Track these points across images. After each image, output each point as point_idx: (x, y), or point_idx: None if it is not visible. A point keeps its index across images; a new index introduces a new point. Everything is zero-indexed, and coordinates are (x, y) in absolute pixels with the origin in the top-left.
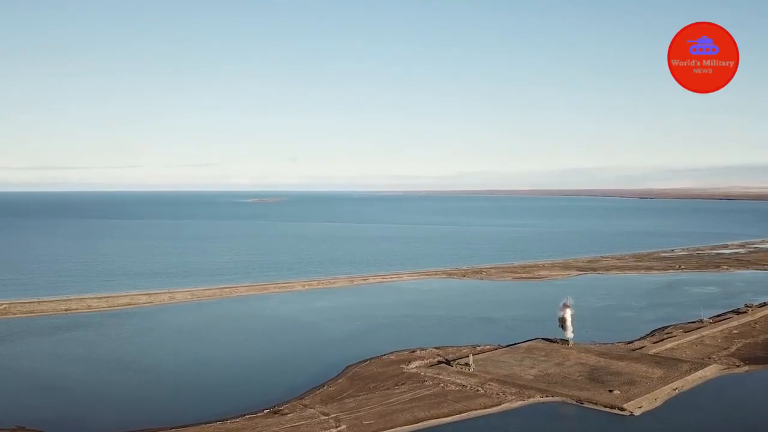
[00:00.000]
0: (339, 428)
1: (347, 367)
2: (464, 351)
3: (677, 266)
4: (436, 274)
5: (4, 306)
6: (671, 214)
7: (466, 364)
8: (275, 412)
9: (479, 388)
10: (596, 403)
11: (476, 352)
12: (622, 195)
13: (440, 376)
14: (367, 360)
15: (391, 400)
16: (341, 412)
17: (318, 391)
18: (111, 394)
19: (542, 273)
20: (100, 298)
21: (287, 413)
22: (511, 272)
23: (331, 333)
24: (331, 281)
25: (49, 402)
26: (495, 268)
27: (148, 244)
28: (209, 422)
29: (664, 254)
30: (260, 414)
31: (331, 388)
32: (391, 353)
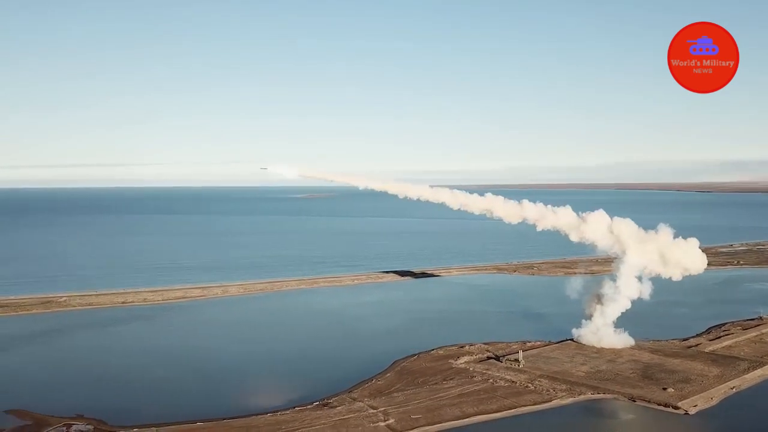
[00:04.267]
0: (387, 422)
1: (395, 362)
2: (514, 347)
3: (736, 261)
4: (486, 269)
5: (64, 298)
6: (730, 207)
7: (516, 360)
8: (324, 405)
9: (529, 385)
10: (649, 401)
11: (526, 348)
12: (680, 188)
13: (489, 372)
14: (415, 355)
15: (440, 394)
16: (389, 405)
17: (366, 385)
18: (164, 385)
19: (595, 269)
20: (155, 291)
21: (336, 406)
22: (563, 267)
23: (379, 327)
24: (380, 276)
25: (106, 392)
26: (546, 263)
27: (201, 240)
28: (260, 414)
29: (722, 249)
30: (310, 406)
31: (379, 382)
32: (440, 348)
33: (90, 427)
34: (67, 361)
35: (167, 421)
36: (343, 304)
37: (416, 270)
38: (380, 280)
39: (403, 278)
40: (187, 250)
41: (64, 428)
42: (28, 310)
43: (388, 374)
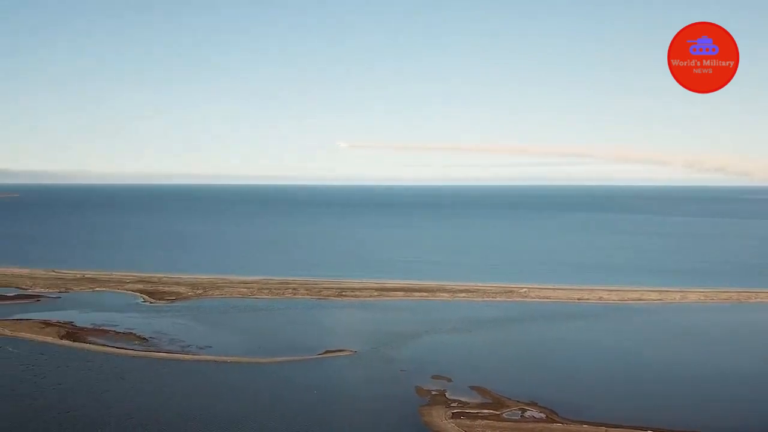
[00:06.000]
0: None
1: None
2: None
3: None
4: None
5: (525, 290)
6: None
7: None
8: None
9: None
10: None
11: None
12: None
13: None
14: None
15: None
16: None
17: None
18: (616, 386)
19: None
20: (610, 290)
21: None
22: None
23: None
24: None
25: (558, 383)
26: None
27: (652, 240)
28: None
29: None
30: None
31: None
32: None
33: (542, 415)
34: (524, 348)
35: (617, 423)
36: None
37: None
38: None
39: None
40: (642, 249)
41: (519, 412)
42: (492, 297)
43: None
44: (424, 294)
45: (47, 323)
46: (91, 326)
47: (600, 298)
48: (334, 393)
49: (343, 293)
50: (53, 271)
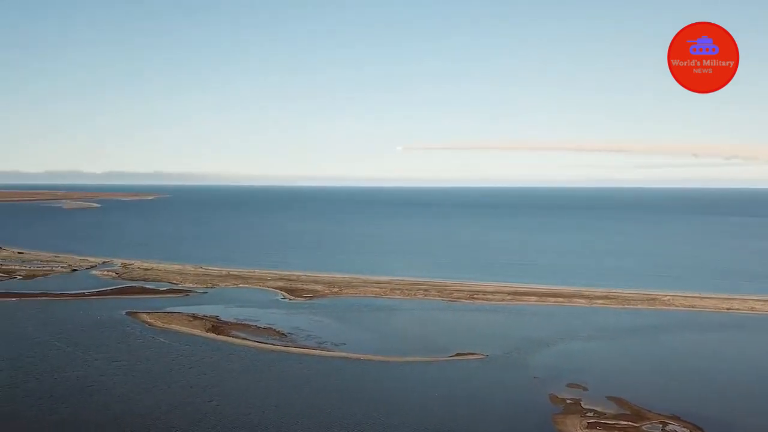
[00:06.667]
0: None
1: None
2: None
3: None
4: None
5: (668, 297)
6: None
7: None
8: None
9: None
10: None
11: None
12: None
13: None
14: None
15: None
16: None
17: None
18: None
19: None
20: (764, 300)
21: None
22: None
23: None
24: None
25: (704, 398)
26: None
27: None
28: None
29: None
30: None
31: None
32: None
33: (686, 430)
34: (666, 359)
35: None
36: None
37: None
38: None
39: None
40: None
41: (660, 425)
42: (633, 304)
43: None
44: (560, 299)
45: (195, 316)
46: (235, 320)
47: (752, 309)
48: (465, 396)
49: (475, 296)
50: (201, 268)
